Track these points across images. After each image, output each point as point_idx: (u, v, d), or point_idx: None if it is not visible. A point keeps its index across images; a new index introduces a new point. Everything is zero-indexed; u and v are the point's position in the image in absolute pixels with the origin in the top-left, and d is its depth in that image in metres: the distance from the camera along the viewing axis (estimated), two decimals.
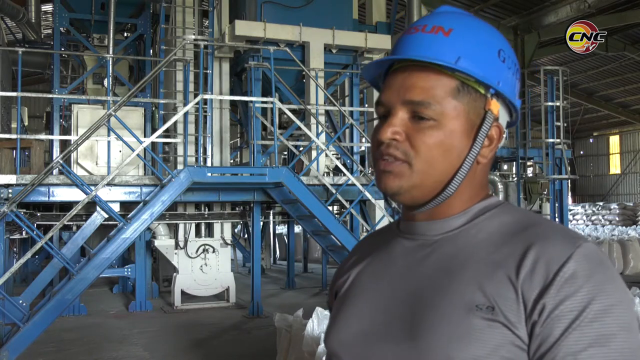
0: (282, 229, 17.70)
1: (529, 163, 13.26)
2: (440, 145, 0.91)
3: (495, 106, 0.94)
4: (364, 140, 9.61)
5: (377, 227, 8.45)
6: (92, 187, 6.90)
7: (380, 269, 1.01)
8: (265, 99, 8.51)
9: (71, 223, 8.83)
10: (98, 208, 7.03)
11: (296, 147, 9.42)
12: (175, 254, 9.53)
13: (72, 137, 8.28)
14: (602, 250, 0.87)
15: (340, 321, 1.01)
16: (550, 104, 11.38)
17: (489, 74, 0.93)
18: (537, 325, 0.82)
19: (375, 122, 1.01)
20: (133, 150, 7.03)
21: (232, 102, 10.53)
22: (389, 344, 0.91)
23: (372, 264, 1.04)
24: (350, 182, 8.26)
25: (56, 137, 9.98)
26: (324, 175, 8.65)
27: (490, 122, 0.93)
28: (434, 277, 0.92)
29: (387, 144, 0.93)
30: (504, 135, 0.98)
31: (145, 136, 8.68)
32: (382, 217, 8.37)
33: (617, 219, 21.95)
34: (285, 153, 12.53)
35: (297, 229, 14.07)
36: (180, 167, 8.62)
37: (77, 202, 6.83)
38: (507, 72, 0.95)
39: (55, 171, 7.02)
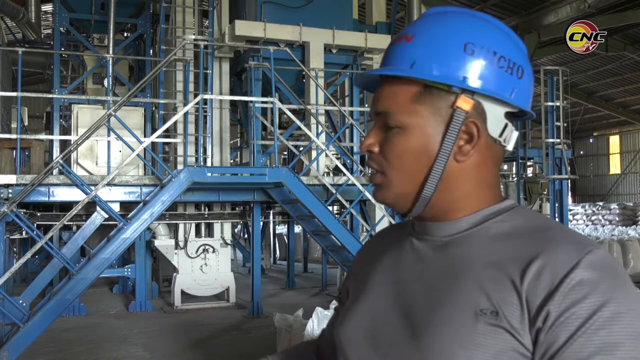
0: (282, 229, 17.70)
1: (529, 163, 13.26)
2: (408, 151, 0.93)
3: (466, 102, 0.91)
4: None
5: (377, 227, 8.47)
6: (92, 187, 6.90)
7: (390, 268, 1.02)
8: (265, 99, 8.51)
9: (71, 223, 8.83)
10: (98, 208, 7.03)
11: (296, 147, 9.42)
12: (175, 254, 9.53)
13: (72, 137, 8.28)
14: (613, 258, 0.85)
15: (349, 317, 1.02)
16: (550, 104, 11.37)
17: (449, 72, 0.91)
18: (541, 332, 0.81)
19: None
20: (133, 150, 7.03)
21: (232, 102, 10.52)
22: (393, 344, 0.92)
23: (383, 261, 1.05)
24: (350, 182, 8.26)
25: (56, 137, 9.97)
26: (324, 175, 8.65)
27: (461, 119, 0.91)
28: (440, 278, 0.92)
29: (369, 157, 0.98)
30: (509, 131, 0.95)
31: (145, 136, 8.68)
32: (382, 217, 8.37)
33: (617, 219, 21.95)
34: (285, 153, 12.53)
35: (297, 229, 14.08)
36: (180, 167, 8.62)
37: (77, 202, 6.82)
38: (479, 64, 0.91)
39: (55, 171, 7.02)
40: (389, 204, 0.98)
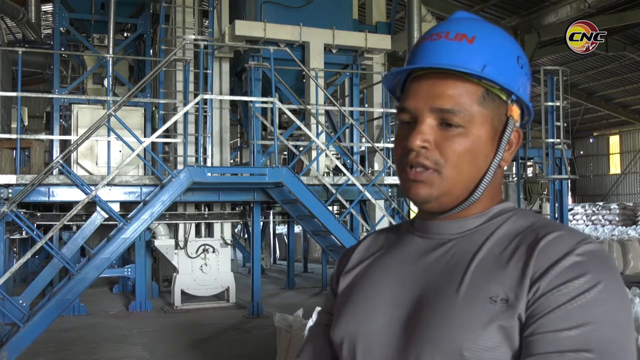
0: (282, 229, 17.70)
1: (529, 163, 13.25)
2: (468, 152, 0.94)
3: (516, 112, 0.98)
4: (364, 140, 9.61)
5: (377, 227, 8.46)
6: (92, 187, 6.90)
7: (393, 265, 1.03)
8: (265, 99, 8.51)
9: (71, 223, 8.83)
10: (98, 208, 7.03)
11: (296, 147, 9.42)
12: (175, 254, 9.53)
13: (72, 137, 8.28)
14: (608, 253, 0.90)
15: (353, 315, 1.02)
16: (550, 104, 11.37)
17: (511, 81, 0.95)
18: (528, 302, 0.85)
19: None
20: (133, 150, 7.03)
21: (232, 102, 10.52)
22: (404, 337, 0.93)
23: (384, 259, 1.06)
24: (350, 182, 8.25)
25: (56, 137, 9.97)
26: (324, 175, 8.65)
27: (512, 127, 0.97)
28: (448, 271, 0.94)
29: (417, 153, 0.94)
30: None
31: (145, 136, 8.67)
32: (382, 217, 8.37)
33: (617, 219, 21.92)
34: (285, 153, 12.53)
35: (297, 229, 14.07)
36: (180, 167, 8.62)
37: (77, 202, 6.82)
38: (524, 77, 0.98)
39: (55, 171, 7.02)
40: (429, 202, 0.96)
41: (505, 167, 1.01)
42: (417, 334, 0.91)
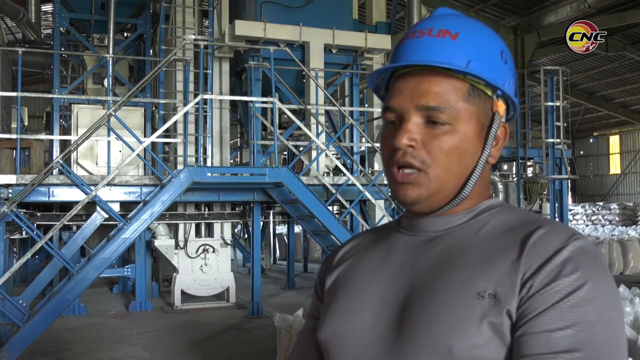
0: (282, 229, 17.71)
1: (529, 163, 13.26)
2: (456, 149, 0.93)
3: (502, 107, 0.97)
4: (364, 140, 9.61)
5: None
6: (92, 187, 6.90)
7: (380, 264, 1.01)
8: (265, 99, 8.51)
9: (71, 223, 8.82)
10: (98, 208, 7.03)
11: (296, 147, 9.42)
12: (175, 254, 9.53)
13: (72, 137, 8.27)
14: (597, 248, 0.89)
15: (339, 314, 1.00)
16: (550, 104, 11.38)
17: (496, 76, 0.94)
18: (522, 300, 0.84)
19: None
20: (133, 150, 7.03)
21: (232, 102, 10.52)
22: (392, 336, 0.92)
23: (370, 258, 1.04)
24: (350, 182, 8.25)
25: (56, 137, 9.97)
26: (324, 175, 8.65)
27: (498, 123, 0.96)
28: (435, 267, 0.93)
29: (404, 152, 0.93)
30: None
31: (145, 136, 8.67)
32: (382, 217, 8.37)
33: (617, 219, 21.94)
34: (285, 153, 12.53)
35: (297, 229, 14.07)
36: (180, 167, 8.62)
37: (77, 202, 6.83)
38: (508, 72, 0.97)
39: (55, 171, 7.02)
40: (419, 203, 0.95)
41: (493, 163, 1.00)
42: (405, 333, 0.90)
